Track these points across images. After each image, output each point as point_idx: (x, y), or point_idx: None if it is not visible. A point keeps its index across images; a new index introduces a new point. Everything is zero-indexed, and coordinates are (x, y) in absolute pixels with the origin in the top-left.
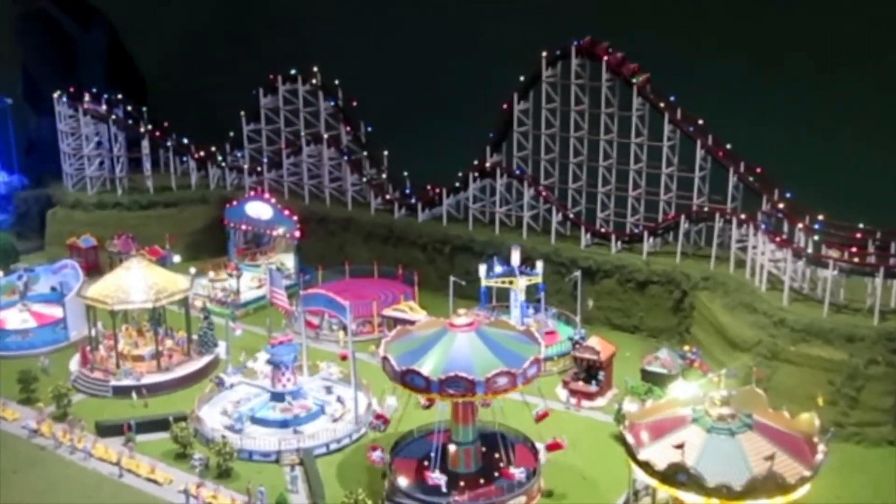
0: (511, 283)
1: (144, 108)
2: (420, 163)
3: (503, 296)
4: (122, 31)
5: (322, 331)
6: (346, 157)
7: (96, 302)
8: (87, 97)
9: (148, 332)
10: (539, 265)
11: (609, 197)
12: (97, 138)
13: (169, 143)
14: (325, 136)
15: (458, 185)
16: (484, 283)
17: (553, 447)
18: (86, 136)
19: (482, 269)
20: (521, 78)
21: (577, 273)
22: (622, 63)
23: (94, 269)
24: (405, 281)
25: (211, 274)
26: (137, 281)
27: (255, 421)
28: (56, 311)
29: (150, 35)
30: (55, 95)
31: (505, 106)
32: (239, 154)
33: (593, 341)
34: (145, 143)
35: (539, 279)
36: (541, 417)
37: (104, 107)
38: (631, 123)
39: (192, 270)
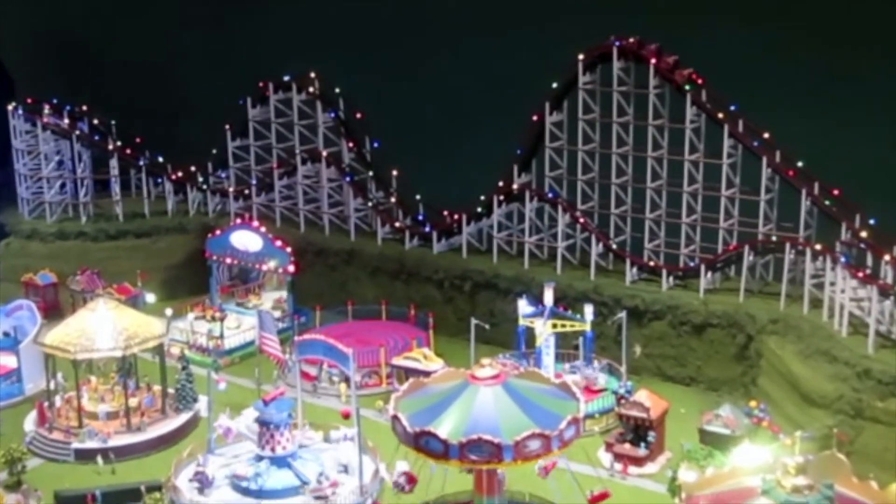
0: (554, 326)
1: (113, 122)
2: (435, 184)
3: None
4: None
5: (321, 383)
6: (348, 178)
7: (56, 350)
8: (46, 109)
9: (116, 385)
10: (588, 311)
11: (659, 224)
12: (58, 157)
13: (141, 163)
14: (324, 153)
15: (480, 210)
16: (522, 321)
17: (599, 498)
18: (45, 155)
19: (521, 304)
20: (554, 85)
21: (622, 314)
22: (674, 67)
23: (54, 311)
24: (418, 324)
25: (190, 316)
26: (104, 325)
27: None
28: (9, 361)
29: (112, 34)
30: (10, 107)
31: (535, 117)
32: (223, 175)
33: (642, 396)
34: (114, 163)
35: (587, 327)
36: (596, 499)
37: (67, 120)
38: (684, 137)
39: (168, 312)
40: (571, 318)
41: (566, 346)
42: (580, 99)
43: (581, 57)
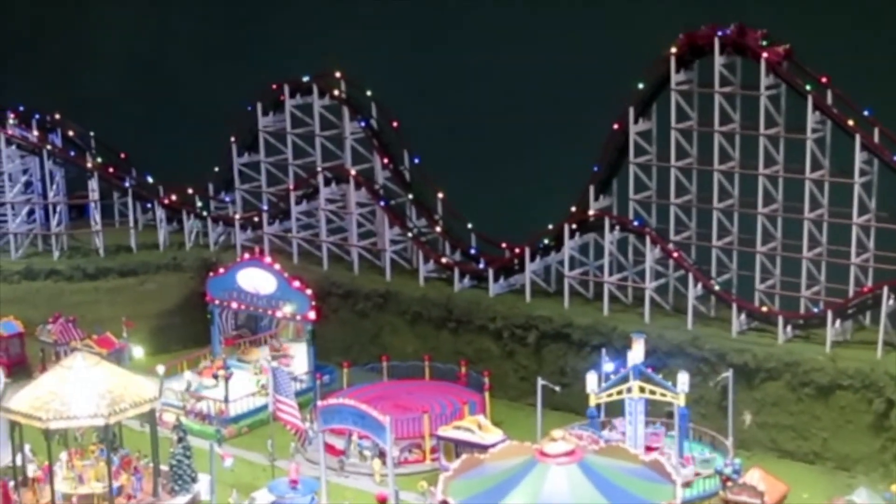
0: (641, 389)
1: (92, 134)
2: (491, 210)
3: (613, 408)
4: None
5: (349, 459)
6: (382, 203)
7: (24, 417)
8: (11, 118)
9: (98, 460)
10: (682, 379)
11: (773, 260)
12: (25, 178)
13: (127, 184)
14: (353, 171)
15: (547, 242)
16: (594, 400)
17: None
18: (9, 175)
19: (590, 379)
20: (640, 86)
21: (727, 374)
22: (790, 62)
23: (20, 368)
24: (470, 385)
25: (187, 375)
26: (83, 386)
27: None
28: None
29: (90, 25)
30: None
31: (616, 126)
32: (227, 198)
33: (753, 477)
34: (93, 184)
35: (681, 400)
36: None
37: (36, 132)
38: (805, 150)
39: (161, 370)
40: (662, 384)
41: (657, 412)
42: (672, 103)
43: (673, 50)
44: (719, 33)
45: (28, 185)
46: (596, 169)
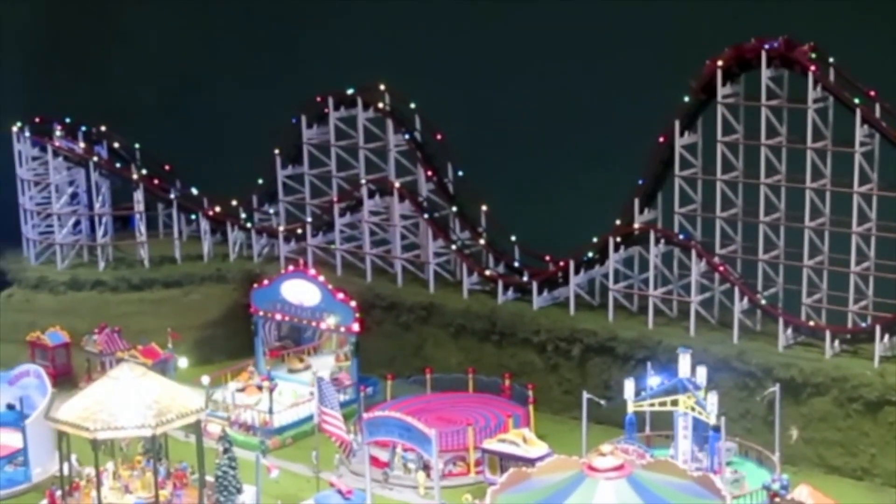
0: (674, 403)
1: (137, 146)
2: (535, 223)
3: (660, 420)
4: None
5: (393, 471)
6: (426, 215)
7: (72, 427)
8: (58, 130)
9: (144, 470)
10: (712, 401)
11: (820, 274)
12: (71, 189)
13: (172, 195)
14: (397, 183)
15: (591, 255)
16: (632, 407)
17: None
18: (56, 187)
19: (628, 385)
20: (686, 98)
21: (774, 389)
22: (837, 75)
23: (66, 378)
24: (514, 398)
25: (232, 386)
26: (130, 397)
27: None
28: (13, 439)
29: (136, 39)
30: (14, 129)
31: (662, 139)
32: (271, 210)
33: (801, 493)
34: (138, 196)
35: (712, 420)
36: None
37: (82, 144)
38: (853, 163)
39: (205, 380)
40: (700, 405)
41: (702, 428)
42: (719, 116)
43: (720, 63)
44: (766, 46)
45: (74, 196)
46: (641, 182)
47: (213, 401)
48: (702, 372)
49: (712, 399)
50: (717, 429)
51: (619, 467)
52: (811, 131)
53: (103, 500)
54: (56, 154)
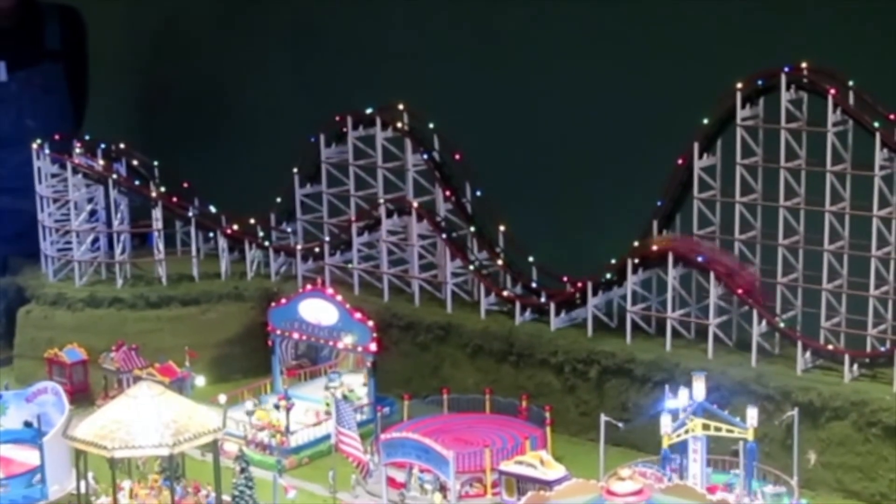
0: (705, 427)
1: (156, 163)
2: (553, 243)
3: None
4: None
5: (409, 492)
6: (444, 235)
7: (89, 446)
8: (77, 147)
9: (160, 489)
10: (751, 414)
11: (839, 297)
12: (90, 206)
13: (190, 213)
14: (415, 203)
15: (609, 276)
16: (666, 442)
17: None
18: (75, 204)
19: (664, 420)
20: (705, 121)
21: (792, 413)
22: (857, 98)
23: (83, 395)
24: (531, 419)
25: (248, 405)
26: (148, 416)
27: None
28: (30, 457)
29: (153, 53)
30: (34, 146)
31: (680, 161)
32: (289, 229)
33: None
34: (157, 213)
35: (749, 435)
36: None
37: (101, 161)
38: (872, 187)
39: (222, 399)
40: (728, 420)
41: (720, 450)
42: (738, 138)
43: (739, 86)
44: (786, 70)
45: (93, 213)
46: (659, 204)
47: (250, 412)
48: (752, 413)
49: (751, 413)
50: (752, 443)
51: (638, 492)
52: (831, 154)
53: None
54: (75, 171)
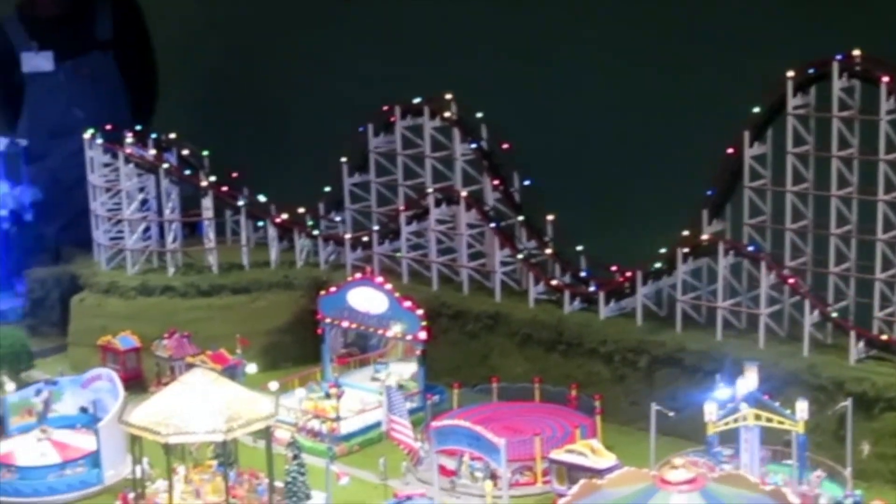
0: (757, 417)
1: (205, 153)
2: (602, 233)
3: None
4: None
5: (460, 479)
6: (493, 224)
7: (144, 431)
8: (128, 137)
9: (214, 475)
10: (801, 407)
11: (892, 287)
12: (142, 195)
13: (240, 202)
14: (463, 192)
15: (659, 266)
16: (711, 429)
17: None
18: (126, 193)
19: (708, 408)
20: (756, 109)
21: (846, 403)
22: None
23: (136, 382)
24: (581, 408)
25: (300, 392)
26: (202, 402)
27: None
28: (86, 442)
29: (201, 44)
30: (86, 137)
31: (731, 150)
32: (338, 218)
33: None
34: (207, 203)
35: (800, 427)
36: None
37: (152, 151)
38: None
39: (274, 386)
40: (779, 411)
41: (772, 440)
42: (789, 127)
43: (791, 74)
44: (838, 57)
45: (144, 202)
46: (709, 193)
47: (310, 398)
48: (802, 406)
49: (801, 405)
50: (803, 436)
51: (692, 480)
52: (884, 143)
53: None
54: (127, 161)
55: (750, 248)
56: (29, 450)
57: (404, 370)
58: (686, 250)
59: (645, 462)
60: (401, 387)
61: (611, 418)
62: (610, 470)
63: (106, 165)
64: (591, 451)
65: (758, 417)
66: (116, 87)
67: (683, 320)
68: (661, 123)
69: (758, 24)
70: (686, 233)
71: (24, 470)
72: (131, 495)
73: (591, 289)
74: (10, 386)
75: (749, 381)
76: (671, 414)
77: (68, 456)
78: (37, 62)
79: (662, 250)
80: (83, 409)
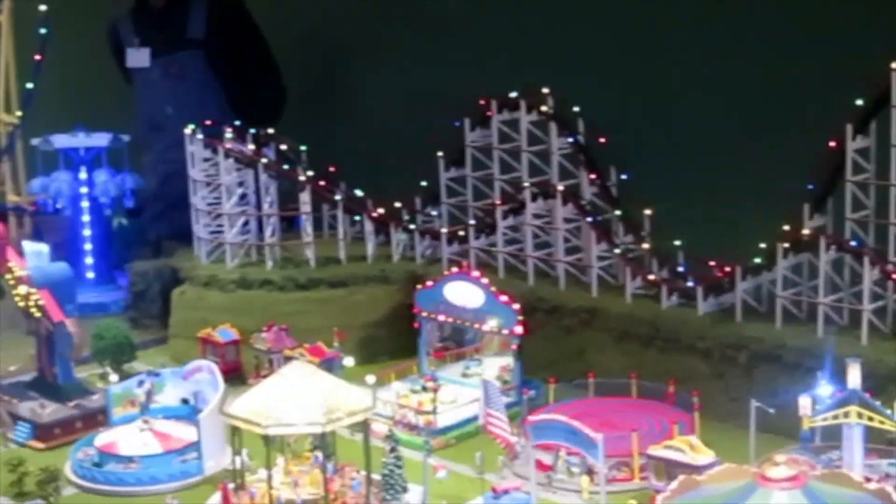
0: (859, 416)
1: (303, 148)
2: (700, 227)
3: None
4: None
5: (556, 474)
6: (589, 219)
7: (244, 422)
8: (227, 132)
9: (313, 466)
10: None
11: None
12: (241, 190)
13: (337, 197)
14: (560, 186)
15: (758, 261)
16: (807, 424)
17: None
18: (226, 188)
19: (803, 402)
20: (859, 102)
21: None
22: None
23: (235, 374)
24: (678, 404)
25: (397, 386)
26: (300, 394)
27: None
28: (186, 433)
29: (296, 40)
30: (186, 132)
31: (833, 143)
32: (434, 212)
33: None
34: (305, 197)
35: None
36: None
37: (251, 146)
38: None
39: (370, 379)
40: (880, 410)
41: (875, 439)
42: (894, 120)
43: (894, 66)
44: None
45: (243, 196)
46: (811, 187)
47: (413, 390)
48: None
49: None
50: None
51: (794, 478)
52: None
53: (274, 494)
54: (226, 155)
55: (852, 243)
56: (131, 440)
57: (496, 366)
58: (787, 245)
59: (743, 459)
60: (506, 382)
61: (709, 414)
62: (709, 466)
63: (206, 160)
64: (689, 448)
65: (860, 416)
66: (206, 87)
67: (784, 316)
68: (760, 116)
69: (861, 14)
70: (786, 227)
71: (147, 459)
72: (231, 486)
73: (689, 284)
74: (113, 377)
75: (851, 378)
76: (772, 411)
77: (170, 446)
78: (137, 58)
79: (762, 245)
80: (184, 401)
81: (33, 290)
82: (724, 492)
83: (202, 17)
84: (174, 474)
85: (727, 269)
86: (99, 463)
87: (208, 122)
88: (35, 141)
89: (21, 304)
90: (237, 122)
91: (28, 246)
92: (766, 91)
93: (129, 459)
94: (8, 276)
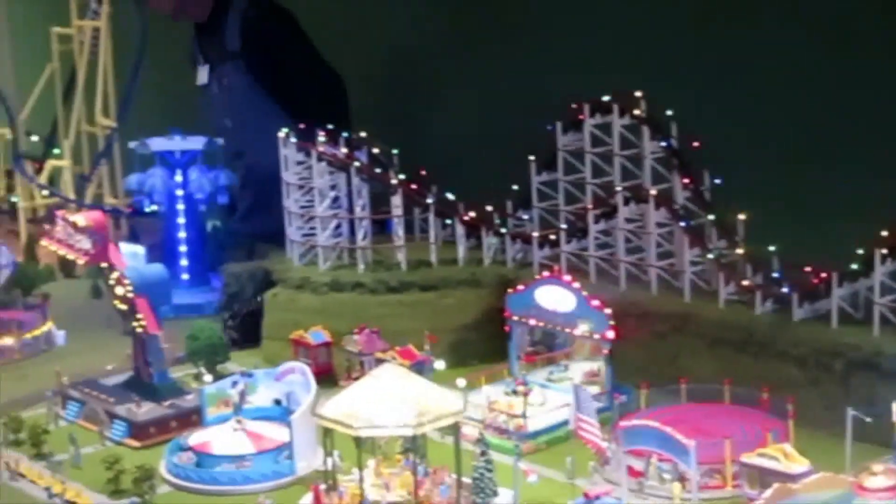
0: None
1: (395, 151)
2: (794, 232)
3: None
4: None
5: (648, 481)
6: (682, 223)
7: (336, 424)
8: (320, 135)
9: (403, 469)
10: None
11: None
12: (333, 193)
13: (429, 200)
14: (652, 191)
15: (855, 267)
16: None
17: None
18: (318, 191)
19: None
20: None
21: None
22: None
23: (327, 376)
24: (773, 411)
25: (487, 389)
26: (392, 396)
27: None
28: (279, 433)
29: (396, 50)
30: (280, 135)
31: None
32: (525, 216)
33: None
34: (396, 200)
35: None
36: None
37: (343, 149)
38: None
39: (461, 383)
40: None
41: None
42: None
43: None
44: None
45: (335, 200)
46: None
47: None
48: None
49: None
50: None
51: (892, 488)
52: None
53: (365, 496)
54: (319, 159)
55: None
56: (225, 440)
57: (581, 371)
58: (884, 251)
59: (838, 468)
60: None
61: (803, 422)
62: (803, 475)
63: (299, 163)
64: (783, 456)
65: None
66: (253, 96)
67: (881, 323)
68: (857, 119)
69: None
70: (885, 233)
71: (257, 457)
72: (322, 487)
73: (784, 290)
74: (207, 378)
75: None
76: (868, 419)
77: (262, 447)
78: (201, 75)
79: (859, 251)
80: (277, 402)
81: (130, 291)
82: (819, 501)
83: (236, 28)
84: (267, 475)
85: (823, 274)
86: (199, 463)
87: (301, 126)
88: (132, 144)
89: (120, 305)
90: (329, 126)
91: (124, 247)
92: (863, 92)
93: (242, 458)
94: (112, 275)
